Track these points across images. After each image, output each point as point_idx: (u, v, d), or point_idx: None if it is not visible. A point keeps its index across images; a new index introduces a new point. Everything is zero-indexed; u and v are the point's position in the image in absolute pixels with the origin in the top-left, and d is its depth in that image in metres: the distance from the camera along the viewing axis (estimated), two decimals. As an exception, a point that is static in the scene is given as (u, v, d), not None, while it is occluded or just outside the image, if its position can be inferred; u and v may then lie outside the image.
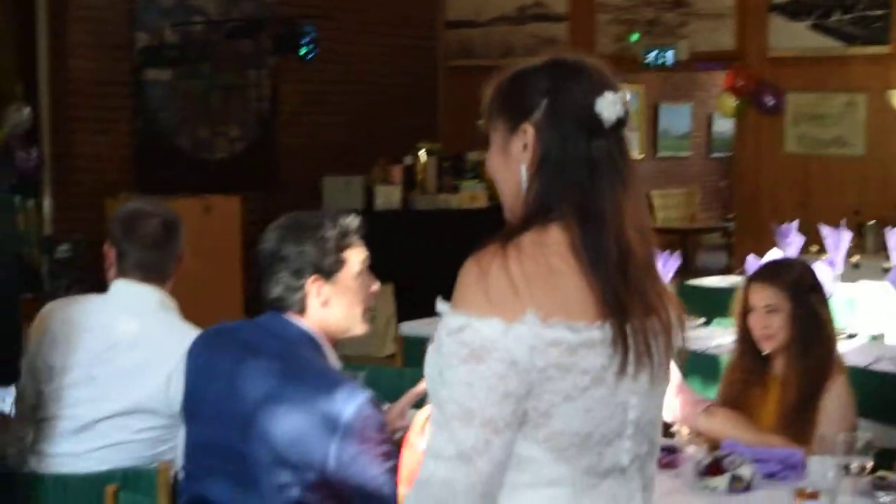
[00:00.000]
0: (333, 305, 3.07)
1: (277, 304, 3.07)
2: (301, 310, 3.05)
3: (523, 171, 2.03)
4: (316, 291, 3.04)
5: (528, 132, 2.02)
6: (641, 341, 2.01)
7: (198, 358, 3.06)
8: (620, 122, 2.03)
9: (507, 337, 1.91)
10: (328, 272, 3.05)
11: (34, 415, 3.60)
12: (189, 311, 3.67)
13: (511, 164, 2.06)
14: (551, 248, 1.97)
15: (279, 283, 3.05)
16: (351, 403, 2.84)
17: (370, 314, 3.19)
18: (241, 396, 2.91)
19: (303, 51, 9.56)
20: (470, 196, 10.06)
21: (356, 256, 3.11)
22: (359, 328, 3.16)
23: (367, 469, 2.87)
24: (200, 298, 7.67)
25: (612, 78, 2.05)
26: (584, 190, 1.99)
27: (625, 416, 2.03)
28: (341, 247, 3.07)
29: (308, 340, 3.05)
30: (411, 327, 5.69)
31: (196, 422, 3.02)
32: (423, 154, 10.29)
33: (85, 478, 3.39)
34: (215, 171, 9.77)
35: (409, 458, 2.53)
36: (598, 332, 1.96)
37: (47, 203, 9.09)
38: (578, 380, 1.96)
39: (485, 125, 2.12)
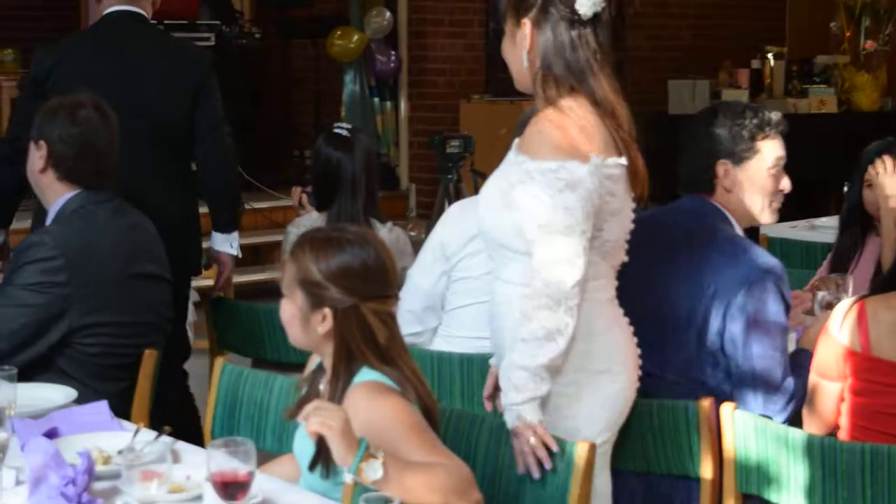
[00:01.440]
0: (738, 192, 3.18)
1: (689, 183, 3.25)
2: (710, 190, 3.19)
3: (524, 54, 2.78)
4: (724, 174, 3.16)
5: (526, 25, 2.77)
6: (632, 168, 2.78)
7: None
8: (597, 16, 2.74)
9: (587, 173, 2.65)
10: (738, 158, 3.15)
11: None
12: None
13: (516, 49, 2.81)
14: (583, 107, 2.71)
15: (691, 163, 3.22)
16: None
17: (775, 206, 3.24)
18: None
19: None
20: (819, 101, 9.78)
21: (771, 151, 3.19)
22: (763, 217, 3.24)
23: (760, 342, 3.02)
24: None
25: None
26: (568, 63, 2.72)
27: (630, 225, 2.83)
28: (756, 136, 3.15)
29: (719, 214, 3.19)
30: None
31: None
32: (770, 57, 10.05)
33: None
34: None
35: (826, 350, 2.92)
36: (622, 163, 2.74)
37: (403, 104, 9.39)
38: (618, 201, 2.75)
39: (502, 21, 2.90)
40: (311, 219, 4.24)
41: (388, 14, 9.04)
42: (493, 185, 2.84)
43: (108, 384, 3.33)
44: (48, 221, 3.45)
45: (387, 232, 4.14)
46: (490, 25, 9.50)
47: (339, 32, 9.00)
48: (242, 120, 8.79)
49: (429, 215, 7.79)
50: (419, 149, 9.16)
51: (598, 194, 2.69)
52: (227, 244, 4.41)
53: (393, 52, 9.16)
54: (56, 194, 3.44)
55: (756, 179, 3.16)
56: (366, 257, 2.52)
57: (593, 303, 2.75)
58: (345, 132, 4.23)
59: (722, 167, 3.16)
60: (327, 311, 2.51)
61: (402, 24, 9.30)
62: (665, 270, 3.13)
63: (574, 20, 2.73)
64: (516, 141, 2.83)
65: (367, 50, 9.06)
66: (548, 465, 2.63)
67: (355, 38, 8.99)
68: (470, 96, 9.23)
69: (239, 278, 6.73)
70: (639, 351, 2.86)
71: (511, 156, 2.80)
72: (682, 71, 10.13)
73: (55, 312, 3.25)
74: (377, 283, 2.54)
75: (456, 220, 3.66)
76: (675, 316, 3.09)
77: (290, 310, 2.56)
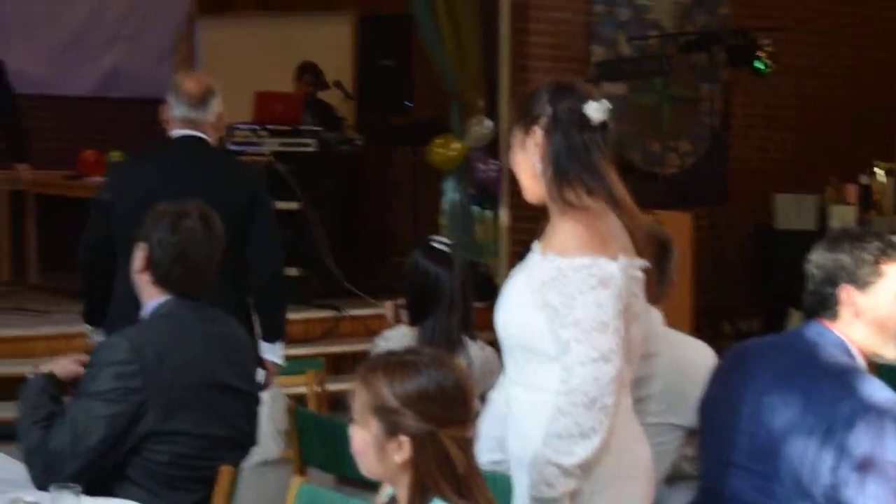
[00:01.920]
0: (862, 319, 3.05)
1: (810, 309, 3.13)
2: (832, 317, 3.08)
3: (537, 162, 2.81)
4: (847, 299, 3.03)
5: (537, 132, 2.83)
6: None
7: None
8: (604, 124, 2.83)
9: (618, 271, 2.70)
10: (862, 282, 3.03)
11: None
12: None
13: (527, 157, 2.84)
14: (602, 209, 2.76)
15: (813, 289, 3.10)
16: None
17: None
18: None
19: (758, 64, 9.33)
20: (931, 218, 9.53)
21: None
22: (888, 351, 3.08)
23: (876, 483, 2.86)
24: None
25: (596, 93, 2.88)
26: (584, 164, 2.77)
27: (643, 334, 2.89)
28: (880, 260, 3.04)
29: (839, 343, 3.06)
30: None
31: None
32: (880, 173, 9.83)
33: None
34: (664, 185, 9.71)
35: None
36: (645, 265, 2.82)
37: (503, 213, 9.31)
38: (640, 303, 2.81)
39: (508, 133, 3.00)
40: (401, 333, 4.16)
41: (488, 122, 9.01)
42: (520, 285, 2.86)
43: (178, 494, 3.26)
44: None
45: (478, 350, 4.04)
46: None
47: (439, 140, 9.00)
48: (341, 226, 8.82)
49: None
50: (519, 259, 9.01)
51: (626, 294, 2.75)
52: (272, 353, 4.66)
53: (493, 161, 9.11)
54: (149, 296, 3.43)
55: (881, 306, 3.03)
56: (443, 380, 2.41)
57: (621, 408, 2.77)
58: (444, 246, 4.16)
59: (845, 292, 3.04)
60: (404, 438, 2.40)
61: (503, 132, 9.26)
62: (777, 399, 3.00)
63: (584, 125, 2.81)
64: (536, 243, 2.89)
65: (467, 158, 9.02)
66: None
67: (455, 146, 8.96)
68: (570, 206, 9.10)
69: (334, 386, 6.64)
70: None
71: (536, 256, 2.85)
72: (788, 184, 9.95)
73: (131, 421, 3.18)
74: (456, 407, 2.43)
75: None
76: (786, 448, 2.93)
77: (363, 438, 2.45)
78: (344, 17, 10.34)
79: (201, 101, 4.55)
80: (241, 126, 8.76)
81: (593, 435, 2.68)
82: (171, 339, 3.28)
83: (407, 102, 9.67)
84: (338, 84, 9.62)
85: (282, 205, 8.79)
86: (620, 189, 2.81)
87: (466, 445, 2.43)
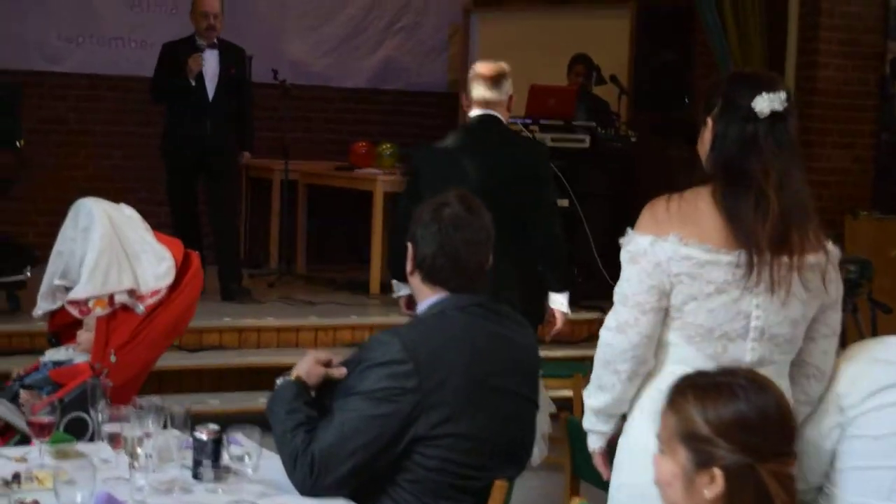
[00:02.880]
0: None
1: None
2: None
3: (708, 149, 2.93)
4: None
5: (709, 123, 2.93)
6: (768, 269, 2.80)
7: None
8: (775, 115, 2.83)
9: (654, 247, 2.84)
10: None
11: None
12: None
13: (703, 146, 2.95)
14: (703, 196, 2.87)
15: None
16: None
17: None
18: None
19: None
20: None
21: None
22: None
23: None
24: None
25: (774, 83, 2.90)
26: (733, 159, 2.83)
27: (747, 322, 2.85)
28: None
29: None
30: None
31: None
32: None
33: None
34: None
35: None
36: (726, 256, 2.81)
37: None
38: (704, 287, 2.82)
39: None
40: None
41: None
42: None
43: (443, 503, 3.03)
44: None
45: None
46: (881, 137, 8.83)
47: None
48: (609, 225, 8.51)
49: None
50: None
51: (667, 272, 2.86)
52: (559, 303, 5.23)
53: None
54: (424, 296, 3.21)
55: None
56: (763, 406, 2.13)
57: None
58: None
59: None
60: (717, 472, 2.12)
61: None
62: None
63: (748, 118, 2.86)
64: None
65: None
66: (606, 476, 3.06)
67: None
68: (857, 212, 8.56)
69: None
70: None
71: None
72: None
73: (403, 423, 2.96)
74: (777, 438, 2.14)
75: (856, 364, 3.10)
76: None
77: (669, 469, 2.19)
78: (623, 10, 10.02)
79: (495, 82, 5.14)
80: (514, 120, 8.57)
81: (607, 391, 2.98)
82: (445, 338, 3.05)
83: (685, 99, 9.28)
84: (613, 79, 9.32)
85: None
86: (759, 172, 2.82)
87: (789, 482, 2.14)
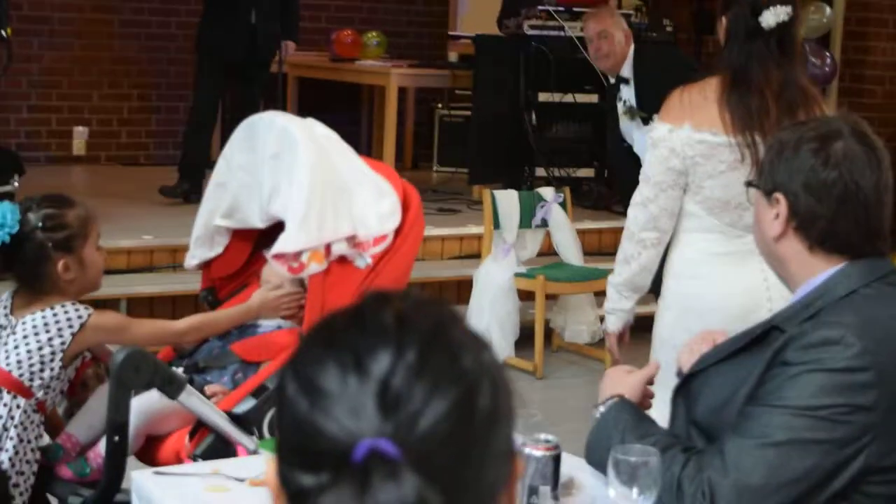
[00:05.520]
0: None
1: None
2: None
3: (722, 44, 3.37)
4: None
5: (723, 22, 3.35)
6: None
7: None
8: (781, 25, 3.23)
9: (671, 135, 3.29)
10: None
11: None
12: None
13: (720, 36, 3.39)
14: (712, 86, 3.27)
15: None
16: None
17: None
18: None
19: None
20: None
21: None
22: None
23: None
24: None
25: None
26: (738, 62, 3.25)
27: None
28: None
29: None
30: None
31: None
32: None
33: None
34: None
35: None
36: (734, 138, 3.23)
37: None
38: (717, 165, 3.25)
39: None
40: None
41: (828, 10, 7.82)
42: None
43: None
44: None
45: None
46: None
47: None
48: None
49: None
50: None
51: (682, 155, 3.26)
52: None
53: (828, 56, 7.94)
54: (806, 270, 2.30)
55: None
56: None
57: (698, 252, 3.34)
58: None
59: None
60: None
61: (838, 23, 8.07)
62: None
63: (753, 29, 3.24)
64: None
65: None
66: (615, 354, 3.53)
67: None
68: (912, 110, 7.95)
69: None
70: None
71: None
72: None
73: (850, 451, 2.12)
74: None
75: None
76: None
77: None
78: None
79: None
80: (542, 8, 7.73)
81: (632, 261, 3.40)
82: (894, 330, 2.20)
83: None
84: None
85: (580, 97, 7.87)
86: (765, 77, 3.22)
87: None
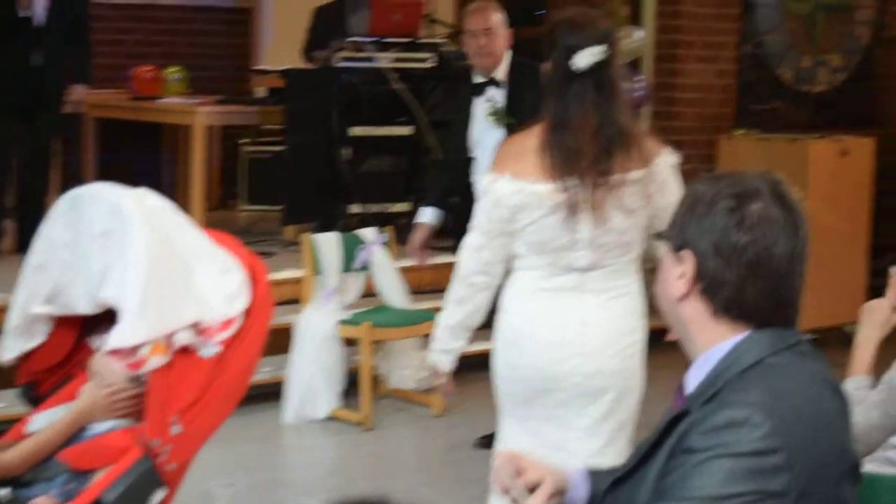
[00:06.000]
0: None
1: None
2: None
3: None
4: None
5: (545, 70, 3.48)
6: (589, 193, 3.37)
7: None
8: (595, 66, 3.36)
9: (495, 184, 3.43)
10: None
11: None
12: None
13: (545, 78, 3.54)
14: (535, 133, 3.42)
15: None
16: None
17: None
18: None
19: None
20: None
21: None
22: None
23: None
24: (825, 249, 6.60)
25: (593, 36, 3.40)
26: (557, 106, 3.38)
27: (574, 235, 3.42)
28: None
29: None
30: None
31: None
32: None
33: None
34: (812, 105, 8.58)
35: None
36: (545, 187, 3.38)
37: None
38: (535, 212, 3.40)
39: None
40: None
41: (638, 33, 7.77)
42: None
43: None
44: (698, 375, 2.06)
45: None
46: (745, 49, 8.23)
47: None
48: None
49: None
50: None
51: (506, 205, 3.41)
52: None
53: (641, 77, 7.89)
54: (707, 336, 2.07)
55: None
56: None
57: (525, 287, 3.51)
58: None
59: None
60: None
61: (650, 45, 8.05)
62: None
63: (572, 76, 3.36)
64: None
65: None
66: (450, 391, 3.75)
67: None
68: (724, 129, 7.97)
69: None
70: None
71: None
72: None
73: None
74: None
75: None
76: None
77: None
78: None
79: None
80: (350, 39, 7.49)
81: (466, 302, 3.57)
82: (799, 402, 1.97)
83: (539, 11, 8.39)
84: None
85: (393, 130, 7.64)
86: (576, 125, 3.35)
87: None
